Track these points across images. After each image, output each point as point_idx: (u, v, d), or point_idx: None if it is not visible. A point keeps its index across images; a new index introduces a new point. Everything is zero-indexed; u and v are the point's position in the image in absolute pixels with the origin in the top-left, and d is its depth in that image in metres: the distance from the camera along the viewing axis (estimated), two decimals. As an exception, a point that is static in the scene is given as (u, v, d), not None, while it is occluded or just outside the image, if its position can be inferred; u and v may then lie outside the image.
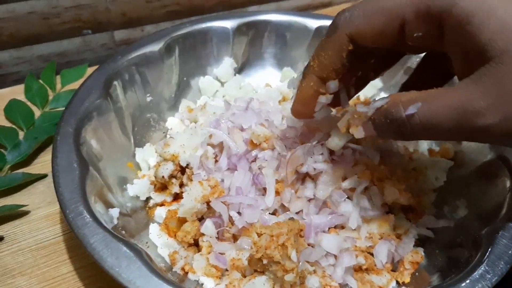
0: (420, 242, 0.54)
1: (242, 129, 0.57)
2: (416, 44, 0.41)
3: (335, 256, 0.49)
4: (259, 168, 0.53)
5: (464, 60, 0.38)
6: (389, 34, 0.41)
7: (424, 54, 0.51)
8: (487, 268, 0.43)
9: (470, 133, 0.37)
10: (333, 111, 0.53)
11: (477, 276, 0.42)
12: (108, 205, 0.51)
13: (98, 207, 0.48)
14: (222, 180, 0.54)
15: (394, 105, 0.39)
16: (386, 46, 0.43)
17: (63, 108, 0.69)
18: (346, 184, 0.52)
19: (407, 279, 0.49)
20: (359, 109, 0.44)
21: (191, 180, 0.54)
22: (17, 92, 0.73)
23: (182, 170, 0.56)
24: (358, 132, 0.44)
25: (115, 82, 0.60)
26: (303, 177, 0.53)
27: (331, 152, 0.53)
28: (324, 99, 0.48)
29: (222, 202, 0.51)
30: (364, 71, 0.51)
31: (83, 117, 0.54)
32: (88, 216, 0.45)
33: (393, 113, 0.39)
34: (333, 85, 0.47)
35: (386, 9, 0.41)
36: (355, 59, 0.45)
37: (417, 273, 0.50)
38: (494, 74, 0.35)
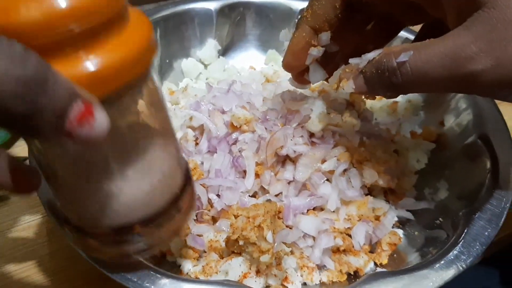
0: (400, 223, 0.54)
1: (223, 112, 0.57)
2: None
3: (313, 238, 0.49)
4: (239, 151, 0.53)
5: (456, 9, 0.37)
6: None
7: (418, 31, 0.50)
8: (462, 249, 0.43)
9: (461, 81, 0.37)
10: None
11: (452, 257, 0.43)
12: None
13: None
14: (202, 163, 0.54)
15: (386, 55, 0.39)
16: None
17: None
18: (325, 166, 0.51)
19: (384, 261, 0.50)
20: (351, 61, 0.44)
21: (170, 162, 0.54)
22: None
23: (162, 152, 0.56)
24: (348, 86, 0.44)
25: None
26: (283, 160, 0.53)
27: (311, 135, 0.53)
28: (315, 51, 0.48)
29: (201, 184, 0.51)
30: (362, 42, 0.50)
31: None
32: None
33: (384, 62, 0.39)
34: (325, 36, 0.47)
35: None
36: (350, 17, 0.45)
37: (395, 255, 0.50)
38: (486, 19, 0.35)
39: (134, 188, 0.33)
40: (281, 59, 0.69)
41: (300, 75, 0.51)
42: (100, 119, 0.24)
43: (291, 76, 0.54)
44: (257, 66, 0.72)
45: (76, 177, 0.32)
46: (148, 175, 0.33)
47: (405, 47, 0.39)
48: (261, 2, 0.71)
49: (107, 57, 0.26)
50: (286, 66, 0.51)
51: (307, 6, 0.47)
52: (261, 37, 0.73)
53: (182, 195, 0.37)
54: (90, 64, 0.25)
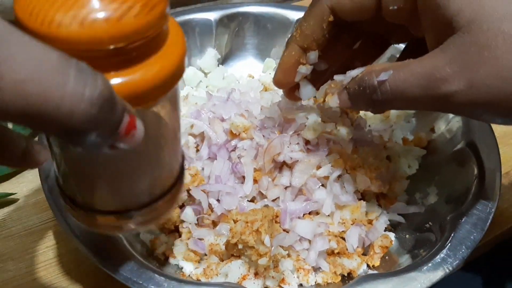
0: (392, 227, 0.57)
1: (222, 120, 0.59)
2: (393, 20, 0.43)
3: (309, 241, 0.52)
4: (238, 157, 0.55)
5: (435, 32, 0.40)
6: (367, 8, 0.44)
7: (403, 48, 0.53)
8: (449, 252, 0.46)
9: (436, 100, 0.39)
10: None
11: (439, 260, 0.45)
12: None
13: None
14: (203, 169, 0.56)
15: (368, 74, 0.42)
16: (364, 19, 0.45)
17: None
18: (320, 172, 0.54)
19: (377, 263, 0.52)
20: (336, 78, 0.47)
21: (172, 169, 0.56)
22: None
23: (164, 159, 0.59)
24: (333, 101, 0.47)
25: (100, 74, 0.62)
26: (280, 166, 0.56)
27: (307, 142, 0.56)
28: (304, 69, 0.50)
29: (202, 190, 0.53)
30: (350, 59, 0.52)
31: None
32: (71, 204, 0.47)
33: (366, 80, 0.42)
34: (313, 55, 0.49)
35: None
36: (338, 36, 0.48)
37: (387, 257, 0.53)
38: (461, 43, 0.37)
39: (145, 179, 0.35)
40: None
41: (291, 92, 0.54)
42: (140, 129, 0.26)
43: (282, 94, 0.56)
44: (255, 74, 0.74)
45: (94, 169, 0.33)
46: (159, 167, 0.35)
47: (385, 66, 0.41)
48: (259, 13, 0.73)
49: (148, 71, 0.27)
50: (277, 83, 0.53)
51: (296, 27, 0.49)
52: (259, 46, 0.75)
53: (178, 181, 0.38)
54: (132, 77, 0.26)
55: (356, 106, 0.45)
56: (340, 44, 0.50)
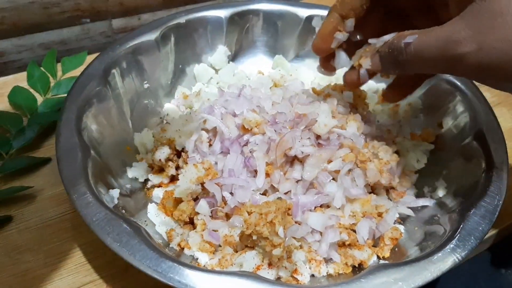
0: (401, 219, 0.58)
1: (234, 115, 0.60)
2: None
3: (321, 233, 0.53)
4: (250, 152, 0.57)
5: (457, 2, 0.43)
6: None
7: None
8: (458, 242, 0.47)
9: (450, 61, 0.42)
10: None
11: (448, 250, 0.46)
12: (109, 186, 0.55)
13: (99, 187, 0.52)
14: (216, 163, 0.57)
15: (397, 37, 0.47)
16: None
17: (64, 95, 0.72)
18: (331, 166, 0.55)
19: (386, 254, 0.53)
20: (370, 41, 0.52)
21: (186, 163, 0.57)
22: (20, 79, 0.76)
23: (178, 153, 0.60)
24: (366, 63, 0.52)
25: (114, 70, 0.63)
26: (291, 160, 0.57)
27: (318, 137, 0.57)
28: (340, 36, 0.55)
29: (215, 183, 0.54)
30: (383, 33, 0.54)
31: (83, 104, 0.57)
32: (91, 196, 0.48)
33: (395, 43, 0.47)
34: (350, 23, 0.54)
35: None
36: (374, 10, 0.53)
37: (396, 248, 0.54)
38: (477, 10, 0.41)
39: None
40: (287, 64, 0.73)
41: (326, 61, 0.58)
42: None
43: (318, 64, 0.59)
44: (264, 71, 0.76)
45: None
46: None
47: (413, 32, 0.46)
48: (269, 10, 0.75)
49: None
50: (315, 47, 0.57)
51: None
52: (269, 43, 0.77)
53: None
54: None
55: (385, 68, 0.50)
56: (375, 17, 0.54)
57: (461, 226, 0.48)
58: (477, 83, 0.61)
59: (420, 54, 0.44)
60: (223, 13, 0.73)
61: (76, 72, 0.77)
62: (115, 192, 0.54)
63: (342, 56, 0.56)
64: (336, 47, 0.55)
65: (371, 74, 0.56)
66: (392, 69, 0.49)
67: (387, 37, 0.49)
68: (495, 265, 0.67)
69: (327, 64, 0.58)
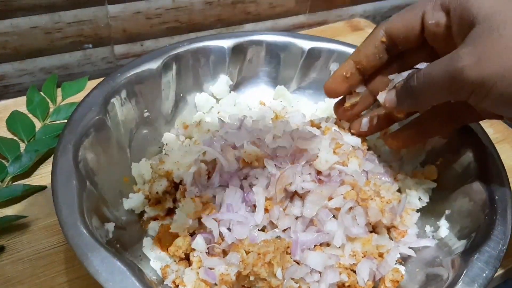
0: (402, 259, 0.56)
1: (234, 147, 0.60)
2: (431, 36, 0.51)
3: (320, 273, 0.52)
4: (249, 186, 0.56)
5: (462, 33, 0.46)
6: (414, 25, 0.52)
7: None
8: (461, 290, 0.46)
9: (452, 77, 0.45)
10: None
11: (451, 298, 0.45)
12: (104, 219, 0.53)
13: (94, 222, 0.50)
14: (214, 196, 0.56)
15: (413, 71, 0.51)
16: (410, 40, 0.53)
17: (63, 121, 0.72)
18: (332, 204, 0.54)
19: (387, 297, 0.52)
20: (390, 77, 0.55)
21: (184, 196, 0.56)
22: (20, 103, 0.75)
23: (176, 186, 0.59)
24: (381, 97, 0.55)
25: (114, 99, 0.62)
26: (291, 195, 0.56)
27: (319, 172, 0.56)
28: (353, 99, 0.60)
29: (213, 218, 0.53)
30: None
31: (82, 134, 0.56)
32: (85, 232, 0.47)
33: (409, 74, 0.51)
34: (361, 89, 0.60)
35: (413, 7, 0.52)
36: (387, 65, 0.57)
37: (397, 291, 0.53)
38: (476, 32, 0.44)
39: None
40: (289, 95, 0.73)
41: (340, 105, 0.62)
42: None
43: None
44: (266, 101, 0.75)
45: None
46: None
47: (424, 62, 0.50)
48: (272, 41, 0.74)
49: None
50: (326, 89, 0.61)
51: (356, 49, 0.58)
52: (271, 74, 0.76)
53: None
54: None
55: (399, 100, 0.53)
56: (387, 73, 0.57)
57: (464, 272, 0.47)
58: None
59: (428, 76, 0.48)
60: (226, 43, 0.73)
61: (76, 97, 0.76)
62: (110, 226, 0.52)
63: (364, 122, 0.61)
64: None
65: (373, 129, 0.59)
66: (405, 100, 0.52)
67: (406, 73, 0.53)
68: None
69: (341, 109, 0.62)
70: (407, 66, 0.55)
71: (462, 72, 0.44)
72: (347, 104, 0.60)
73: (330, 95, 0.61)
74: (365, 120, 0.60)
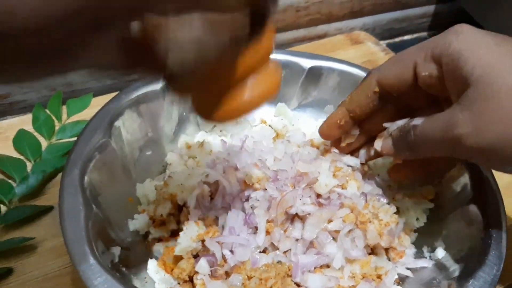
0: (400, 279, 0.58)
1: (236, 169, 0.61)
2: (427, 88, 0.51)
3: (319, 295, 0.53)
4: (251, 207, 0.57)
5: (456, 89, 0.46)
6: (406, 76, 0.52)
7: None
8: (456, 317, 0.47)
9: (450, 142, 0.45)
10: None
11: (447, 323, 0.46)
12: (110, 241, 0.55)
13: (100, 246, 0.52)
14: (217, 218, 0.58)
15: (408, 121, 0.51)
16: (404, 90, 0.53)
17: (69, 139, 0.73)
18: (331, 226, 0.55)
19: (385, 318, 0.53)
20: (385, 125, 0.55)
21: (187, 219, 0.58)
22: (25, 121, 0.76)
23: (180, 208, 0.60)
24: (377, 144, 0.56)
25: (118, 121, 0.64)
26: (292, 218, 0.57)
27: (318, 195, 0.58)
28: (348, 140, 0.61)
29: (216, 241, 0.55)
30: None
31: (88, 157, 0.58)
32: (92, 258, 0.48)
33: (405, 126, 0.51)
34: (355, 132, 0.61)
35: (404, 58, 0.52)
36: (382, 109, 0.57)
37: (395, 313, 0.54)
38: (472, 95, 0.43)
39: None
40: (290, 112, 0.74)
41: (338, 143, 0.63)
42: None
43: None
44: (267, 119, 0.76)
45: None
46: None
47: (421, 117, 0.49)
48: (273, 59, 0.75)
49: None
50: (321, 133, 0.62)
51: (349, 95, 0.59)
52: (272, 92, 0.77)
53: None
54: None
55: (396, 150, 0.53)
56: (382, 116, 0.57)
57: (460, 298, 0.48)
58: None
59: (425, 135, 0.48)
60: (227, 62, 0.74)
61: (81, 115, 0.78)
62: (116, 250, 0.54)
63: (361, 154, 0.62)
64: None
65: (371, 159, 0.60)
66: (403, 151, 0.52)
67: (401, 122, 0.53)
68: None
69: (338, 146, 0.63)
70: (403, 106, 0.56)
71: (460, 140, 0.44)
72: (343, 144, 0.61)
73: (326, 138, 0.63)
74: (362, 152, 0.61)
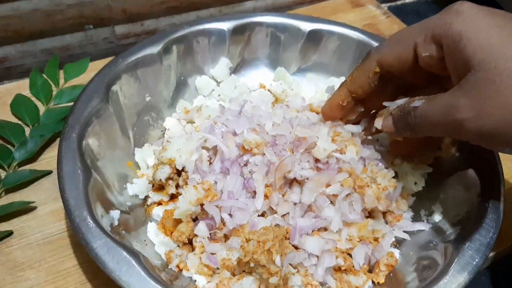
0: (397, 243, 0.59)
1: (235, 134, 0.61)
2: (428, 68, 0.50)
3: (317, 257, 0.54)
4: (250, 172, 0.57)
5: (457, 72, 0.46)
6: (407, 57, 0.51)
7: None
8: (451, 278, 0.47)
9: (451, 126, 0.45)
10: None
11: (442, 286, 0.47)
12: (109, 205, 0.55)
13: (99, 210, 0.52)
14: (215, 182, 0.58)
15: (409, 102, 0.51)
16: (404, 69, 0.52)
17: (66, 104, 0.73)
18: (329, 191, 0.56)
19: (381, 280, 0.54)
20: (385, 103, 0.55)
21: (186, 183, 0.58)
22: (22, 86, 0.76)
23: (178, 172, 0.61)
24: (378, 123, 0.55)
25: (116, 85, 0.63)
26: (290, 182, 0.57)
27: (317, 160, 0.58)
28: (349, 116, 0.61)
29: (215, 205, 0.55)
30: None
31: (85, 122, 0.57)
32: (92, 222, 0.49)
33: (405, 106, 0.51)
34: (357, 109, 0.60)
35: (404, 38, 0.51)
36: (383, 87, 0.56)
37: (391, 274, 0.55)
38: (473, 79, 0.43)
39: None
40: (289, 77, 0.74)
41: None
42: None
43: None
44: (266, 83, 0.76)
45: None
46: None
47: (421, 97, 0.49)
48: (272, 23, 0.74)
49: None
50: (323, 113, 0.62)
51: (349, 75, 0.58)
52: (271, 56, 0.77)
53: None
54: None
55: (397, 129, 0.53)
56: (383, 94, 0.56)
57: (455, 260, 0.49)
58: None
59: (426, 117, 0.48)
60: (226, 25, 0.73)
61: (79, 79, 0.77)
62: (115, 214, 0.54)
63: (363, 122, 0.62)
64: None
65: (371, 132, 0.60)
66: (403, 131, 0.52)
67: (400, 101, 0.53)
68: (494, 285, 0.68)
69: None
70: (403, 85, 0.56)
71: (461, 124, 0.44)
72: (344, 120, 0.61)
73: (328, 119, 0.62)
74: (364, 121, 0.60)
